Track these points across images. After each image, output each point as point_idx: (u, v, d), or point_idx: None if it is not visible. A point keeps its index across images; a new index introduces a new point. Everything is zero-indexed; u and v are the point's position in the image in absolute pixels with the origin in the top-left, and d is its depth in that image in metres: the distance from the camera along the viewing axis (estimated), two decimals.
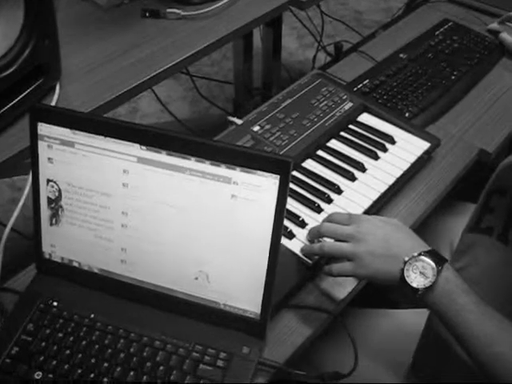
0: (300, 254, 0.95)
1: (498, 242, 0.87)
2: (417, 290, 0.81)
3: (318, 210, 1.03)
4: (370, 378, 1.00)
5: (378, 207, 1.05)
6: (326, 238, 0.93)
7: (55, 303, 0.89)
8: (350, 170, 1.10)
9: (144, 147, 0.81)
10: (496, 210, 0.89)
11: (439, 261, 0.82)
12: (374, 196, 1.06)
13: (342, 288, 0.96)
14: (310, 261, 0.94)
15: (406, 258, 0.83)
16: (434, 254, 0.83)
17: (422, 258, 0.82)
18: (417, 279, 0.81)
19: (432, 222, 1.19)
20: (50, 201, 0.88)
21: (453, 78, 1.33)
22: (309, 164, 1.12)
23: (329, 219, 0.94)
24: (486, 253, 0.90)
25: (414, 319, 1.10)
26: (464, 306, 0.80)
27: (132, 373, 0.82)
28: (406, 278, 0.82)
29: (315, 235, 0.95)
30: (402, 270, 0.83)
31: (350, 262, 0.88)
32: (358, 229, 0.88)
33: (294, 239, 0.98)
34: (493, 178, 0.92)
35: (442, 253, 1.20)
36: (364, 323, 1.11)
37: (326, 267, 0.91)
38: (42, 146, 0.84)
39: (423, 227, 1.10)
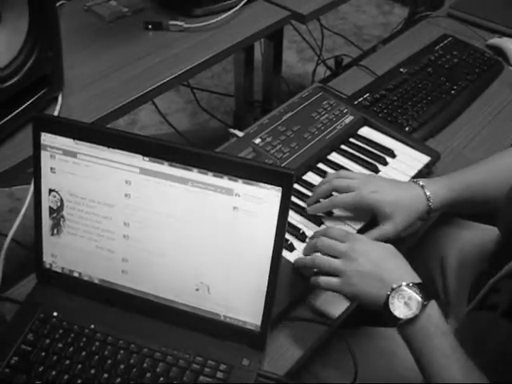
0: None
1: (500, 319, 0.86)
2: (398, 319, 0.80)
3: (319, 222, 1.03)
4: None
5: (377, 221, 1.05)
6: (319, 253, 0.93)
7: (55, 313, 0.89)
8: None
9: (147, 158, 0.81)
10: (502, 290, 0.88)
11: (426, 296, 0.81)
12: None
13: (342, 300, 0.96)
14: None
15: (394, 286, 0.82)
16: (422, 288, 0.82)
17: (410, 288, 0.81)
18: (400, 309, 0.80)
19: (423, 237, 1.18)
20: (51, 211, 0.88)
21: (452, 92, 1.34)
22: (309, 177, 1.12)
23: (325, 234, 0.94)
24: (487, 328, 0.89)
25: None
26: (439, 347, 0.78)
27: None
28: (390, 305, 0.81)
29: (311, 249, 0.95)
30: (388, 296, 0.82)
31: (337, 278, 0.87)
32: (352, 247, 0.88)
33: (295, 251, 0.98)
34: (505, 269, 0.91)
35: (432, 268, 1.21)
36: (364, 341, 1.10)
37: (313, 278, 0.90)
38: (44, 155, 0.85)
39: (414, 242, 1.10)
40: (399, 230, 0.98)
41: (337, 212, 1.04)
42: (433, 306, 0.81)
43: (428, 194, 0.99)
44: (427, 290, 0.82)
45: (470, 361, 0.78)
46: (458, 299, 1.12)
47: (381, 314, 0.84)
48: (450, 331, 0.81)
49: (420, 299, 0.80)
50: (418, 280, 0.83)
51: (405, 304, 0.80)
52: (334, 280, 0.87)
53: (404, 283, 0.82)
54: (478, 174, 1.05)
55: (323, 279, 0.89)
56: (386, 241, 0.93)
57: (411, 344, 0.81)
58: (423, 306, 0.80)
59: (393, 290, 0.82)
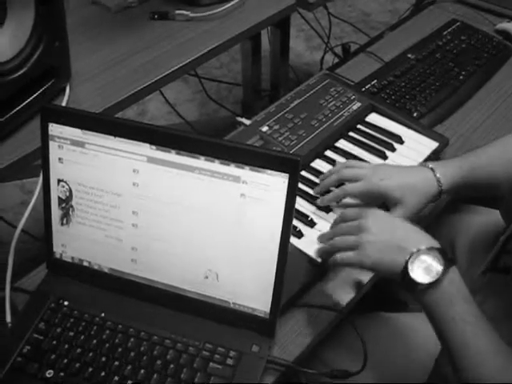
0: (309, 253, 0.96)
1: None
2: (418, 284, 0.78)
3: (327, 209, 1.03)
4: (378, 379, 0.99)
5: (386, 207, 1.05)
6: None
7: (66, 302, 0.90)
8: None
9: (154, 147, 0.81)
10: None
11: (447, 260, 0.79)
12: None
13: (351, 287, 0.97)
14: (318, 259, 0.95)
15: (414, 250, 0.80)
16: (443, 253, 0.80)
17: (431, 252, 0.79)
18: (420, 274, 0.78)
19: (433, 224, 1.18)
20: (60, 201, 0.88)
21: (461, 77, 1.34)
22: (317, 164, 1.12)
23: (341, 216, 0.94)
24: (500, 291, 0.87)
25: (423, 322, 1.09)
26: (462, 314, 0.76)
27: (142, 371, 0.83)
28: (409, 271, 0.79)
29: (329, 236, 0.94)
30: (407, 261, 0.80)
31: (354, 251, 0.86)
32: (364, 220, 0.88)
33: (303, 238, 0.98)
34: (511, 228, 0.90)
35: None
36: (374, 327, 1.10)
37: (331, 258, 0.90)
38: (52, 146, 0.85)
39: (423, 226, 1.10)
40: (410, 213, 0.97)
41: (345, 201, 1.04)
42: (454, 270, 0.79)
43: (438, 175, 0.99)
44: (448, 255, 0.80)
45: (493, 328, 0.77)
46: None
47: (394, 296, 0.84)
48: (472, 298, 0.79)
49: (442, 263, 0.78)
50: (437, 245, 0.81)
51: (425, 269, 0.78)
52: (350, 253, 0.86)
53: (423, 247, 0.80)
54: (486, 157, 1.04)
55: (340, 255, 0.88)
56: None
57: (433, 309, 0.79)
58: (445, 270, 0.78)
59: (412, 255, 0.80)
